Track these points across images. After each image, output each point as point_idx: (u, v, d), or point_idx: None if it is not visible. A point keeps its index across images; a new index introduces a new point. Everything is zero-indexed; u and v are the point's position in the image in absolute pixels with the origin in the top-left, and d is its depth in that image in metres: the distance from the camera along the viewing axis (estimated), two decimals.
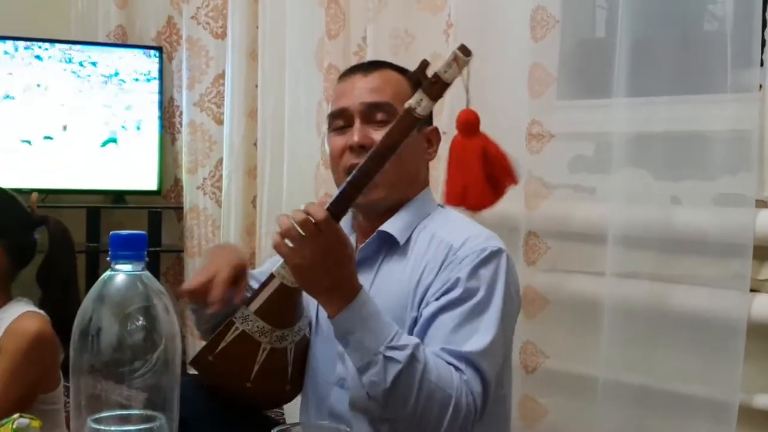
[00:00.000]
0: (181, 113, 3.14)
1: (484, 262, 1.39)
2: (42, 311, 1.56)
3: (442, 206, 1.57)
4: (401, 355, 1.25)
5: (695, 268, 1.87)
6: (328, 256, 1.25)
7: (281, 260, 1.35)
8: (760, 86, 1.81)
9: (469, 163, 1.28)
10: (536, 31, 2.05)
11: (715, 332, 1.79)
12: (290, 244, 1.25)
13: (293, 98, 2.69)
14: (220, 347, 1.41)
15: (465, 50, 1.22)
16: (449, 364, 1.31)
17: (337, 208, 1.26)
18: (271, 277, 1.39)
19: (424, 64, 1.26)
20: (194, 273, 1.49)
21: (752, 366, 1.79)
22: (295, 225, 1.24)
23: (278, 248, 1.27)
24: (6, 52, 2.97)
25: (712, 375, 1.80)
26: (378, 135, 1.45)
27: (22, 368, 1.47)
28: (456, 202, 1.33)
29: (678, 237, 1.89)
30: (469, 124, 1.28)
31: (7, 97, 2.97)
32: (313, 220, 1.23)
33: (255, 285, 1.49)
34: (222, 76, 3.00)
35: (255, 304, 1.40)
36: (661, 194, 1.95)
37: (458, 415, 1.28)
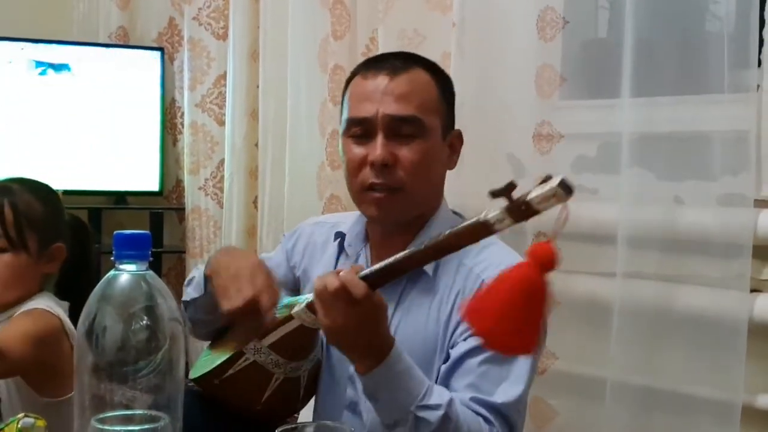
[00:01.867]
0: (182, 114, 3.14)
1: None
2: (60, 311, 1.57)
3: (458, 215, 1.51)
4: (433, 416, 1.21)
5: (698, 268, 1.86)
6: (364, 324, 1.18)
7: (302, 304, 1.28)
8: (758, 86, 1.81)
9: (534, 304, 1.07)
10: (545, 32, 2.05)
11: (718, 332, 1.78)
12: (323, 307, 1.18)
13: (295, 99, 2.69)
14: (228, 374, 1.36)
15: (567, 188, 1.06)
16: (478, 414, 1.26)
17: (378, 278, 1.17)
18: (290, 317, 1.31)
19: (512, 186, 1.10)
20: (221, 289, 1.36)
21: (756, 366, 1.80)
22: (328, 292, 1.16)
23: (316, 306, 1.19)
24: (9, 61, 2.97)
25: (716, 375, 1.80)
26: (403, 152, 1.38)
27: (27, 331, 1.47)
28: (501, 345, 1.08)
29: (681, 237, 1.89)
30: (550, 263, 1.10)
31: (8, 98, 2.98)
32: (353, 295, 1.15)
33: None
34: (223, 76, 3.00)
35: (269, 339, 1.34)
36: (665, 194, 1.94)
37: None
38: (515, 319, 1.00)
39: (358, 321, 1.17)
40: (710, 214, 1.85)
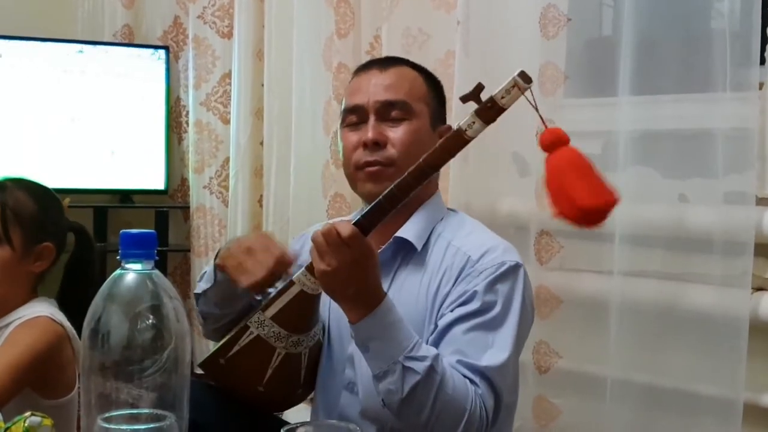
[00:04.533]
0: (187, 113, 3.15)
1: (502, 276, 1.39)
2: (62, 317, 1.57)
3: (452, 210, 1.58)
4: (420, 366, 1.25)
5: (701, 267, 1.87)
6: (353, 267, 1.25)
7: (302, 267, 1.35)
8: (761, 84, 1.81)
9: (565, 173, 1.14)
10: (548, 30, 2.06)
11: (721, 331, 1.79)
12: (318, 253, 1.26)
13: (300, 97, 2.69)
14: (233, 351, 1.41)
15: (525, 77, 1.17)
16: (464, 376, 1.31)
17: (368, 220, 1.27)
18: (291, 283, 1.37)
19: (479, 88, 1.22)
20: (237, 268, 1.40)
21: (758, 364, 1.80)
22: (322, 236, 1.24)
23: (311, 255, 1.28)
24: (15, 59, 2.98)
25: (718, 373, 1.80)
26: (392, 133, 1.48)
27: (23, 360, 1.47)
28: (572, 215, 1.14)
29: (684, 235, 1.89)
30: (560, 141, 1.15)
31: (14, 96, 2.99)
32: (342, 235, 1.23)
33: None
34: (228, 75, 3.01)
35: (272, 310, 1.38)
36: (668, 192, 1.95)
37: (470, 428, 1.28)
38: (581, 184, 1.10)
39: (349, 262, 1.24)
40: (713, 213, 1.85)
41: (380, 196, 1.28)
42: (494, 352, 1.34)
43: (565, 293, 2.06)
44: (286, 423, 0.90)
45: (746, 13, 1.78)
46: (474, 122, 1.21)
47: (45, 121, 3.01)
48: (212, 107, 3.05)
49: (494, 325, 1.36)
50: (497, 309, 1.37)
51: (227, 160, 3.01)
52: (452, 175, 2.10)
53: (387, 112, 1.49)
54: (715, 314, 1.80)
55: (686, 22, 1.94)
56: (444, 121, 1.59)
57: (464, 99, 1.22)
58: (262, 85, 2.88)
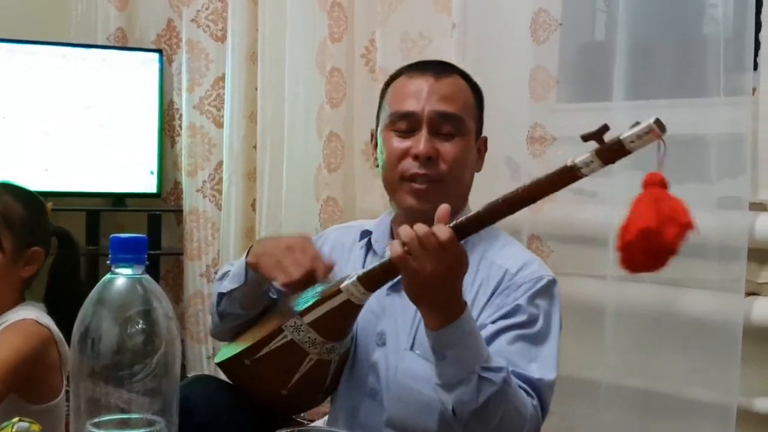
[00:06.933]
0: (180, 116, 3.15)
1: (541, 291, 1.38)
2: (48, 321, 1.57)
3: None
4: (497, 377, 1.23)
5: (695, 272, 1.87)
6: (447, 274, 1.21)
7: (352, 277, 1.30)
8: (754, 89, 1.82)
9: (640, 202, 1.12)
10: (538, 34, 2.06)
11: (714, 335, 1.79)
12: (412, 256, 1.20)
13: (293, 101, 2.69)
14: (262, 352, 1.37)
15: (661, 125, 1.11)
16: (522, 389, 1.30)
17: (463, 229, 1.22)
18: (337, 291, 1.32)
19: (604, 129, 1.14)
20: (274, 265, 1.37)
21: (752, 369, 1.80)
22: (417, 238, 1.19)
23: (398, 258, 1.21)
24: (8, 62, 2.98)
25: (712, 378, 1.80)
26: (445, 147, 1.44)
27: (9, 362, 1.46)
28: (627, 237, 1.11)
29: None
30: (655, 184, 1.13)
31: (7, 99, 2.98)
32: (439, 239, 1.19)
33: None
34: (222, 78, 3.01)
35: (311, 316, 1.34)
36: None
37: None
38: (657, 214, 1.06)
39: (444, 268, 1.20)
40: (706, 218, 1.84)
41: (477, 211, 1.22)
42: (541, 366, 1.33)
43: (561, 298, 2.06)
44: (302, 423, 0.90)
45: (740, 19, 1.78)
46: (592, 161, 1.15)
47: (37, 124, 3.00)
48: (205, 111, 3.04)
49: (538, 339, 1.35)
50: (540, 324, 1.36)
51: (220, 163, 3.01)
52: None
53: (441, 125, 1.45)
54: (709, 319, 1.80)
55: (680, 27, 1.94)
56: (482, 130, 1.55)
57: (586, 138, 1.14)
58: (256, 88, 2.87)
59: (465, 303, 1.26)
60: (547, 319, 1.37)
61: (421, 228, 1.20)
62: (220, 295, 1.52)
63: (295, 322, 1.34)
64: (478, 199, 2.16)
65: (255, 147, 2.90)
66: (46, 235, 1.65)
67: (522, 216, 2.07)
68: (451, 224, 1.21)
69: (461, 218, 1.22)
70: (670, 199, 1.09)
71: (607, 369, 1.93)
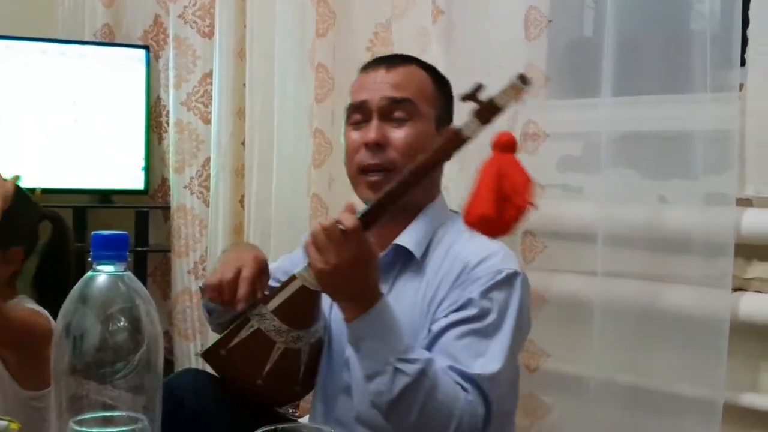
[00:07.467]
0: (168, 112, 3.13)
1: (498, 284, 1.37)
2: (45, 311, 1.57)
3: (456, 213, 1.55)
4: (411, 369, 1.24)
5: (681, 267, 1.87)
6: (353, 264, 1.24)
7: (305, 263, 1.35)
8: (741, 85, 1.82)
9: (484, 177, 1.19)
10: (530, 31, 2.06)
11: (701, 331, 1.79)
12: (317, 249, 1.25)
13: (282, 97, 2.68)
14: (233, 343, 1.41)
15: (524, 79, 1.18)
16: (456, 383, 1.30)
17: (368, 218, 1.26)
18: (293, 278, 1.38)
19: (478, 87, 1.21)
20: (213, 270, 1.47)
21: (738, 365, 1.81)
22: (323, 231, 1.23)
23: (308, 251, 1.27)
24: None
25: (698, 373, 1.80)
26: (396, 133, 1.46)
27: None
28: (469, 220, 1.21)
29: (664, 236, 1.90)
30: (503, 146, 1.18)
31: None
32: (342, 228, 1.22)
33: (272, 283, 1.48)
34: (209, 75, 2.99)
35: (273, 303, 1.39)
36: (648, 194, 1.95)
37: None
38: (498, 196, 1.13)
39: (349, 258, 1.23)
40: (693, 213, 1.86)
41: (380, 194, 1.27)
42: (487, 360, 1.33)
43: (549, 293, 2.06)
44: (287, 418, 0.91)
45: (727, 15, 1.78)
46: (472, 122, 1.21)
47: (23, 121, 2.98)
48: (193, 107, 3.03)
49: (488, 333, 1.35)
50: (492, 317, 1.35)
51: (208, 160, 3.00)
52: (450, 181, 2.09)
53: (391, 111, 1.47)
54: (696, 314, 1.81)
55: (667, 23, 1.94)
56: (451, 120, 1.56)
57: (464, 98, 1.22)
58: (244, 84, 2.86)
59: (380, 294, 1.28)
60: (501, 311, 1.36)
61: (328, 220, 1.24)
62: (201, 290, 1.54)
63: (260, 310, 1.40)
64: (466, 194, 2.17)
65: (243, 143, 2.88)
66: (29, 231, 1.64)
67: None
68: (358, 214, 1.25)
69: (363, 210, 1.27)
70: (514, 171, 1.16)
71: (597, 364, 1.94)
